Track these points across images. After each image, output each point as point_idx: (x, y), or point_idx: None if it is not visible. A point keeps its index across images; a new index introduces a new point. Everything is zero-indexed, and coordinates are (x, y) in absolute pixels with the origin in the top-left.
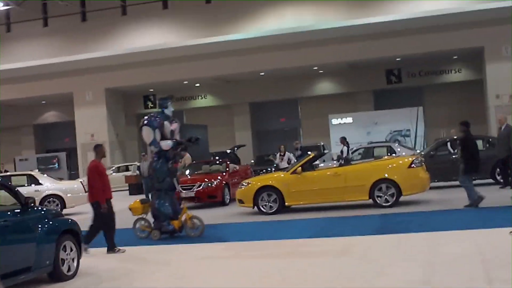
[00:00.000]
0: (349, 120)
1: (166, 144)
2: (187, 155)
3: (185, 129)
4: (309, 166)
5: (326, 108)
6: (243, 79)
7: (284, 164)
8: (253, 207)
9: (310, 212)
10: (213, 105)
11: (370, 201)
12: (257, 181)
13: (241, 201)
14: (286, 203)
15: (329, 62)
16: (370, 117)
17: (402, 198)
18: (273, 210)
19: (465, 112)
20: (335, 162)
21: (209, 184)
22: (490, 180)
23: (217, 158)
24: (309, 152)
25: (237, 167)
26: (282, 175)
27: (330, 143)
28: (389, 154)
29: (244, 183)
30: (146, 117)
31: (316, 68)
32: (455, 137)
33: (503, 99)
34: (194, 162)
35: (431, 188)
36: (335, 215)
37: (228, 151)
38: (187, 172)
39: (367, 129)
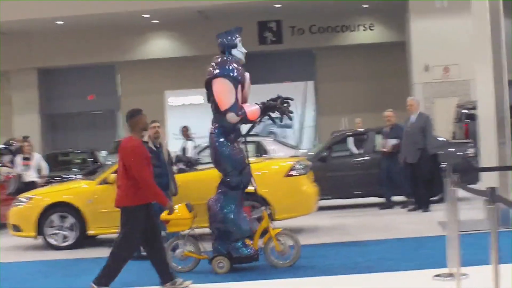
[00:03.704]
0: (197, 99)
1: (253, 111)
2: None
3: None
4: None
5: (161, 80)
6: (27, 30)
7: (31, 175)
8: (36, 237)
9: None
10: None
11: None
12: (44, 196)
13: (16, 228)
14: (88, 231)
15: (169, 8)
16: None
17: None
18: (69, 243)
19: (379, 90)
20: (174, 166)
21: None
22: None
23: None
24: None
25: (12, 172)
26: (85, 186)
27: (166, 135)
28: (258, 154)
29: (22, 199)
30: (214, 64)
31: (147, 16)
32: (361, 129)
33: (434, 72)
34: None
35: (320, 208)
36: None
37: (3, 146)
38: None
39: None
